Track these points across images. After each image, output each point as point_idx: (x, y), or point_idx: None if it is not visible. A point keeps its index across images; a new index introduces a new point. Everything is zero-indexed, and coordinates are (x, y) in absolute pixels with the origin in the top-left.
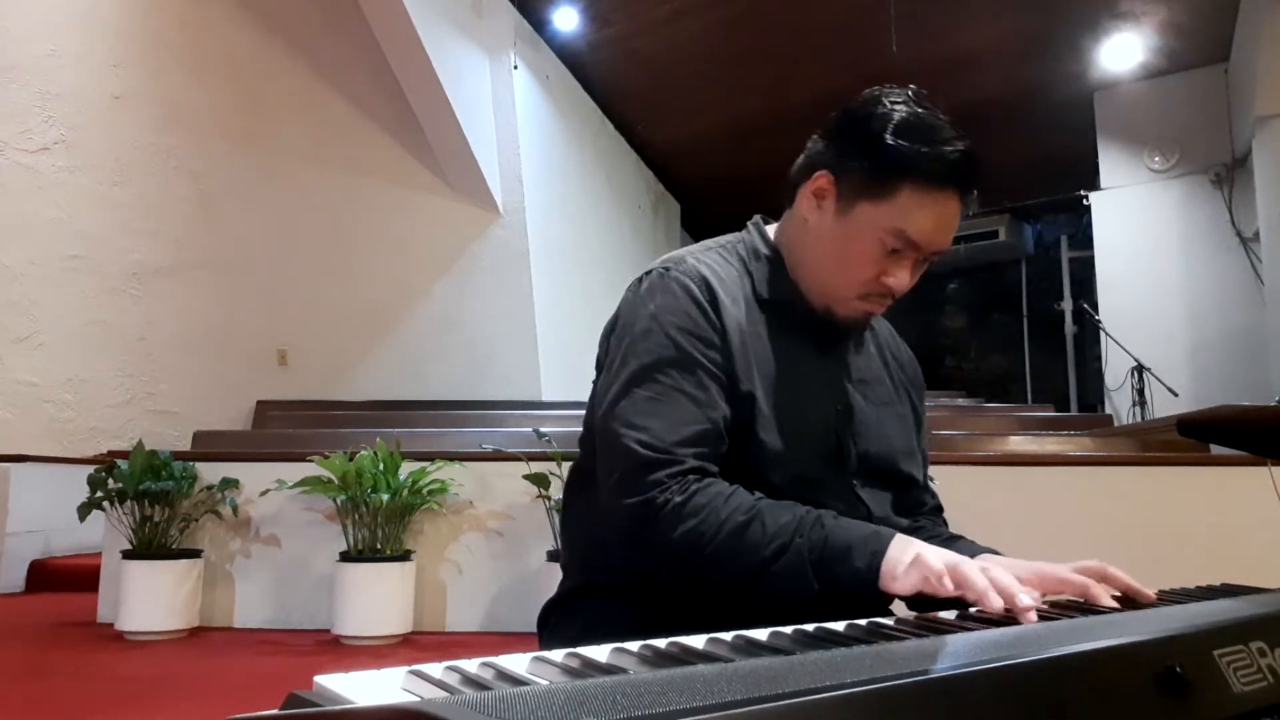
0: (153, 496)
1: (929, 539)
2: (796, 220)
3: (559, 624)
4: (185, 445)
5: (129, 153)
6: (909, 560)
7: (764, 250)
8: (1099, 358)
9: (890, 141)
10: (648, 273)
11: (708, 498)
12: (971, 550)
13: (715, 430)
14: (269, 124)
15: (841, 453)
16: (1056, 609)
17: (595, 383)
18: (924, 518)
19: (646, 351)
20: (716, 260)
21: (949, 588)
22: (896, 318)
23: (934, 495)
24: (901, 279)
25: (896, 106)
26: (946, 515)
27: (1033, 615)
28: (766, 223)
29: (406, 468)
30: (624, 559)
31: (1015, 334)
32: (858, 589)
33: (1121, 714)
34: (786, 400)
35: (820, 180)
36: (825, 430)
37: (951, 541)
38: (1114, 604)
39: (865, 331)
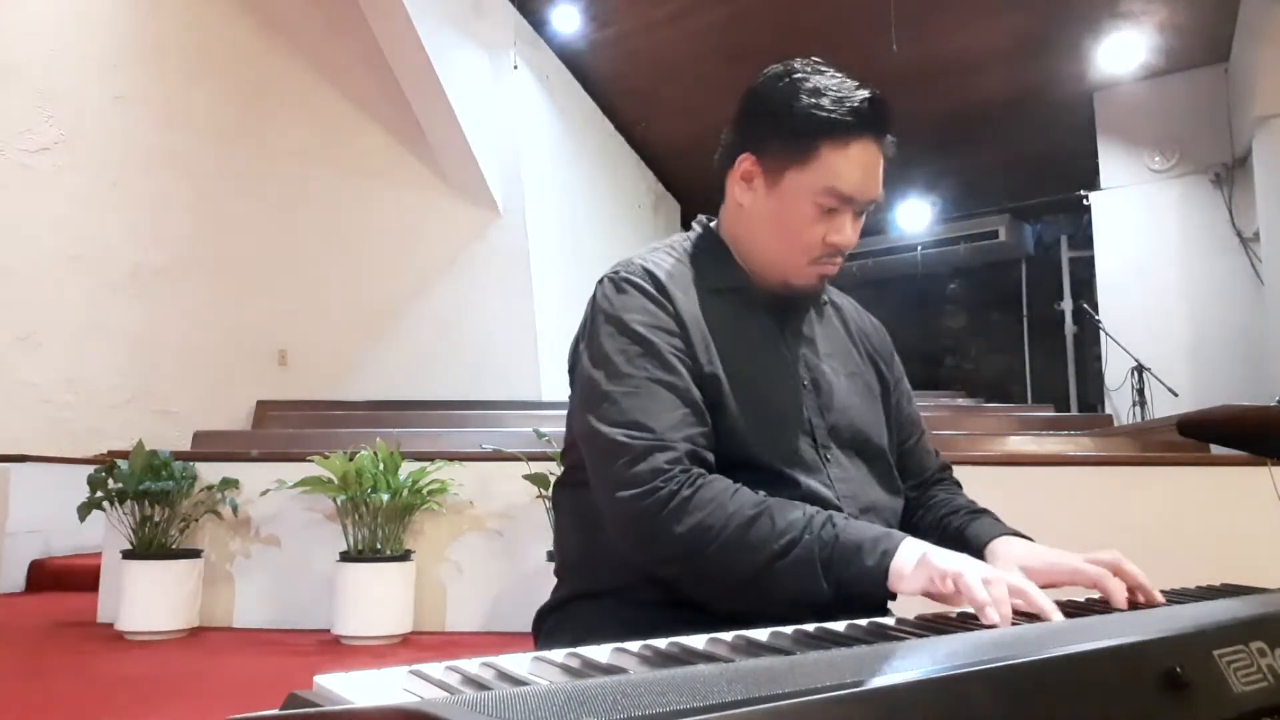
0: (153, 496)
1: (947, 514)
2: (732, 208)
3: (555, 629)
4: (185, 445)
5: (129, 153)
6: (916, 559)
7: (710, 243)
8: (1099, 358)
9: (798, 108)
10: (600, 282)
11: (714, 492)
12: (995, 531)
13: (698, 411)
14: (269, 124)
15: (812, 426)
16: (1058, 609)
17: (571, 397)
18: (936, 487)
19: (615, 351)
20: (663, 258)
21: (951, 589)
22: (898, 317)
23: (935, 456)
24: (845, 235)
25: (795, 76)
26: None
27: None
28: (710, 220)
29: (406, 468)
30: (624, 558)
31: (1015, 334)
32: (866, 588)
33: (1121, 714)
34: (751, 380)
35: (744, 164)
36: (794, 405)
37: (976, 516)
38: (1125, 594)
39: (825, 304)
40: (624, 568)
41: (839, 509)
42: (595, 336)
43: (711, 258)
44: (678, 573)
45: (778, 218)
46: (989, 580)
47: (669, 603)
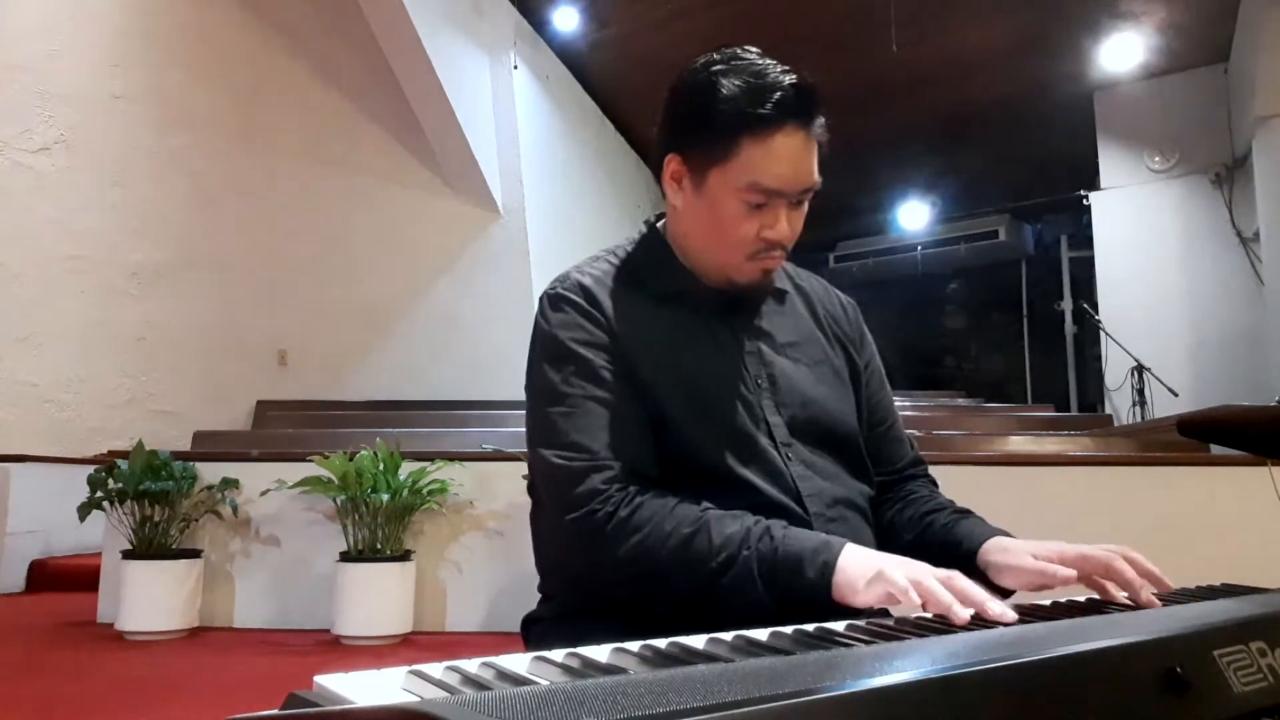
0: (153, 496)
1: (930, 511)
2: (670, 209)
3: (543, 635)
4: (185, 445)
5: (129, 153)
6: (871, 575)
7: (653, 247)
8: (1099, 358)
9: (715, 104)
10: (540, 299)
11: (652, 510)
12: (984, 531)
13: (636, 427)
14: (269, 124)
15: (770, 425)
16: (1058, 609)
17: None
18: (911, 483)
19: (553, 370)
20: (602, 268)
21: (915, 601)
22: (898, 317)
23: (912, 446)
24: (780, 229)
25: (712, 68)
26: None
27: (1010, 615)
28: (659, 220)
29: (406, 468)
30: (581, 579)
31: (1015, 334)
32: (813, 600)
33: (1121, 714)
34: (697, 386)
35: (671, 164)
36: (746, 406)
37: (960, 518)
38: (1135, 575)
39: (786, 292)
40: (591, 593)
41: (801, 510)
42: (534, 357)
43: (653, 262)
44: (627, 594)
45: (708, 217)
46: (950, 578)
47: (645, 623)
